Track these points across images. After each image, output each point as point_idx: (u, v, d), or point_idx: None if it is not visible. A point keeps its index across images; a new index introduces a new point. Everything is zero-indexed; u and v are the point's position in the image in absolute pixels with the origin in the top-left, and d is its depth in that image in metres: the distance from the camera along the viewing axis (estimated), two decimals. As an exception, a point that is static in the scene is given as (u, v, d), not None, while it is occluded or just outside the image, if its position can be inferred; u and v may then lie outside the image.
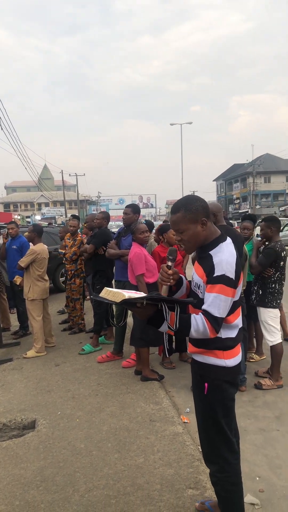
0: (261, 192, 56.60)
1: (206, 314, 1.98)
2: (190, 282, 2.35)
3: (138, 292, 2.11)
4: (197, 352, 2.16)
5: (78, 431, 3.63)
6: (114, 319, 5.54)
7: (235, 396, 2.23)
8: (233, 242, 3.93)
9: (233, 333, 2.12)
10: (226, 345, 2.10)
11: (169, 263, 2.14)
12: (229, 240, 2.14)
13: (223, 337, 2.08)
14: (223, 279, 1.98)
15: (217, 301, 1.97)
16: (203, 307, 2.00)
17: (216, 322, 1.97)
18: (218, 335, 2.05)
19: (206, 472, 2.87)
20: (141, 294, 2.01)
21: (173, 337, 5.23)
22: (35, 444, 3.46)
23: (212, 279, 2.00)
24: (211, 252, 2.07)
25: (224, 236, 2.14)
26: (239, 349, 2.18)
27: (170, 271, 2.12)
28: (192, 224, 2.07)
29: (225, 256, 2.02)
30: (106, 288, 2.05)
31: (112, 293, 1.98)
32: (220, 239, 2.11)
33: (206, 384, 2.13)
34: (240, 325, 2.18)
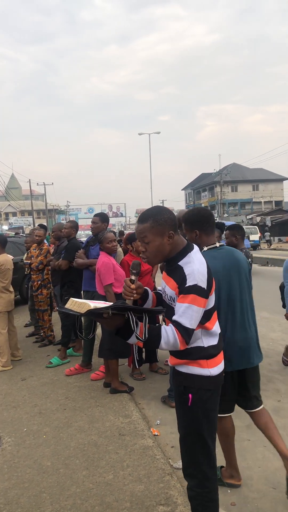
0: (228, 200, 57.56)
1: (177, 325, 1.92)
2: (157, 293, 2.30)
3: (106, 302, 2.03)
4: (180, 363, 2.10)
5: (45, 448, 3.50)
6: (83, 331, 5.42)
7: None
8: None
9: (214, 340, 2.08)
10: (209, 353, 2.06)
11: (132, 277, 2.06)
12: (196, 248, 2.09)
13: (205, 345, 2.04)
14: (195, 289, 1.93)
15: (189, 312, 1.92)
16: (174, 318, 1.95)
17: (187, 334, 1.92)
18: (201, 344, 2.02)
19: (177, 486, 2.81)
20: (109, 304, 1.94)
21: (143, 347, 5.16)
22: (-1, 464, 3.31)
23: (184, 289, 1.95)
24: (180, 263, 2.01)
25: (190, 245, 2.10)
26: (222, 356, 2.15)
27: (132, 286, 2.04)
28: (159, 236, 2.01)
29: (196, 266, 1.97)
30: (72, 299, 1.97)
31: (78, 304, 1.90)
32: (187, 249, 2.06)
33: (190, 395, 2.06)
34: (219, 331, 2.14)
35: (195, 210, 2.80)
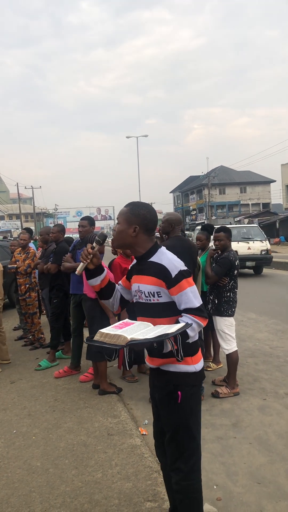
0: (216, 203, 57.85)
1: (190, 310, 2.06)
2: (112, 283, 2.39)
3: (127, 321, 2.07)
4: (167, 363, 2.16)
5: (35, 449, 3.54)
6: (71, 333, 5.49)
7: None
8: (187, 252, 4.02)
9: (196, 336, 2.15)
10: (193, 349, 2.16)
11: (94, 244, 2.22)
12: (163, 247, 2.25)
13: (190, 341, 2.10)
14: (182, 274, 2.09)
15: (190, 295, 2.08)
16: (183, 307, 2.09)
17: (201, 311, 2.08)
18: (187, 341, 2.06)
19: (164, 483, 2.87)
20: (132, 326, 1.98)
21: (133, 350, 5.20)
22: (-11, 465, 3.34)
23: (173, 280, 2.08)
24: (152, 259, 2.16)
25: (158, 245, 2.24)
26: (200, 351, 2.25)
27: (90, 250, 2.18)
28: (126, 223, 2.19)
29: (170, 256, 2.16)
30: (100, 331, 1.95)
31: (110, 336, 1.88)
32: (156, 247, 2.22)
33: (179, 393, 2.14)
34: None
35: None
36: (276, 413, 4.03)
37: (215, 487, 2.94)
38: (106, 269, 2.37)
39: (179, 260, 2.16)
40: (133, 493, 2.82)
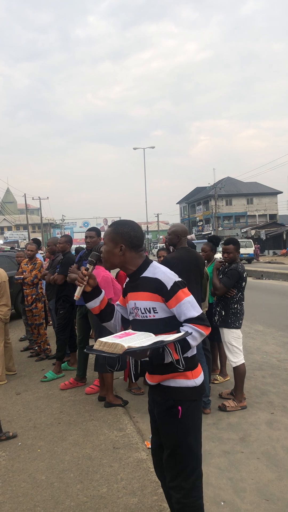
0: (223, 214, 57.91)
1: (190, 320, 2.04)
2: (111, 304, 2.35)
3: (129, 332, 2.04)
4: (167, 378, 2.14)
5: (39, 462, 3.50)
6: (77, 344, 5.47)
7: None
8: (194, 263, 4.00)
9: (194, 349, 2.14)
10: (193, 363, 2.14)
11: (88, 266, 2.20)
12: (154, 261, 2.24)
13: (189, 355, 2.10)
14: (178, 285, 2.08)
15: (188, 305, 2.06)
16: (183, 318, 2.06)
17: (201, 320, 2.05)
18: (185, 355, 2.05)
19: (171, 499, 2.82)
20: (133, 336, 1.96)
21: (139, 361, 5.16)
22: (-6, 478, 3.31)
23: (169, 292, 2.06)
24: (145, 275, 2.14)
25: (150, 260, 2.23)
26: (199, 365, 2.22)
27: (85, 272, 2.16)
28: (112, 243, 2.17)
29: (163, 269, 2.14)
30: (99, 340, 1.93)
31: (108, 344, 1.86)
32: (147, 262, 2.20)
33: (180, 408, 2.11)
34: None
35: None
36: (284, 427, 3.96)
37: (222, 503, 2.88)
38: (103, 291, 2.32)
39: (172, 272, 2.15)
40: (138, 509, 2.77)
